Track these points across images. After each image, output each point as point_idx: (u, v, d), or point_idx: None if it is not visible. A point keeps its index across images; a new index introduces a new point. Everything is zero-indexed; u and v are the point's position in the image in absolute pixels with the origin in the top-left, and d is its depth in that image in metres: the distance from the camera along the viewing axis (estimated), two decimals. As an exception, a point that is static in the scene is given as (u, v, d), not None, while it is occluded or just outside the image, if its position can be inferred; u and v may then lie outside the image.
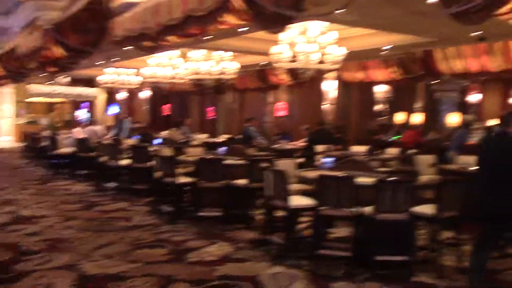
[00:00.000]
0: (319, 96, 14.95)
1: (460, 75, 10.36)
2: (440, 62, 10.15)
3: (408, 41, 9.08)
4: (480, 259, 5.00)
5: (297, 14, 5.40)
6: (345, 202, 5.42)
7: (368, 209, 5.34)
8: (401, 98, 16.46)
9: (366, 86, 15.38)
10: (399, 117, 15.07)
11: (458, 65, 9.96)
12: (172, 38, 7.14)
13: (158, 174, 8.03)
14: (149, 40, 7.27)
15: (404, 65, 10.89)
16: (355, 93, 15.60)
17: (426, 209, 5.55)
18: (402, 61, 10.82)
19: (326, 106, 15.10)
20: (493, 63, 9.37)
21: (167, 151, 9.12)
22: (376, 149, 10.62)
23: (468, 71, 9.97)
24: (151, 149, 10.14)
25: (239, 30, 7.13)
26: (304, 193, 6.23)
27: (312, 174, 6.23)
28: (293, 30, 9.07)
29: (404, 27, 7.79)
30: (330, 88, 14.96)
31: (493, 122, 15.83)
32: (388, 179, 5.43)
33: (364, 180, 5.62)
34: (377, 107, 17.36)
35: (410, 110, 15.89)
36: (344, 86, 14.85)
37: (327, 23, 8.75)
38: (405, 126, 13.97)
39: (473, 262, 5.00)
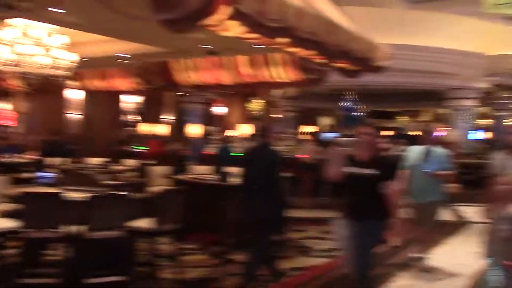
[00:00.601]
0: (63, 105, 13.90)
1: (198, 87, 10.59)
2: (178, 74, 10.23)
3: (144, 50, 8.87)
4: (252, 264, 5.16)
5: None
6: (55, 222, 4.84)
7: (80, 228, 4.86)
8: (150, 109, 16.46)
9: (113, 96, 14.88)
10: (146, 128, 14.99)
11: (195, 78, 10.17)
12: None
13: None
14: None
15: (144, 75, 10.70)
16: (102, 102, 14.95)
17: (146, 223, 5.33)
18: (141, 71, 10.62)
19: (70, 116, 14.12)
20: (226, 77, 9.80)
21: None
22: (118, 161, 10.23)
23: (205, 84, 10.25)
24: None
25: None
26: (13, 213, 5.42)
27: (19, 191, 5.46)
28: (15, 30, 8.06)
29: (132, 34, 7.52)
30: (75, 96, 14.04)
31: (233, 132, 17.00)
32: (101, 194, 5.04)
33: (76, 196, 5.12)
34: (126, 118, 17.03)
35: (159, 121, 15.99)
36: (90, 95, 14.07)
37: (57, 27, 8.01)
38: (151, 136, 13.91)
39: (246, 269, 5.15)
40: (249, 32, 4.66)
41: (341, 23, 5.47)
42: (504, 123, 15.40)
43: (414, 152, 5.89)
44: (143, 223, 5.31)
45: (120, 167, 9.01)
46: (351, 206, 4.13)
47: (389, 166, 4.23)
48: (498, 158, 5.26)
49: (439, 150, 5.89)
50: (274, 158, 5.35)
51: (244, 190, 5.51)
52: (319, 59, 5.82)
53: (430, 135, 6.02)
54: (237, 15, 4.18)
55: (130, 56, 9.31)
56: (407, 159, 5.90)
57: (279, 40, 5.01)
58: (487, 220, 4.01)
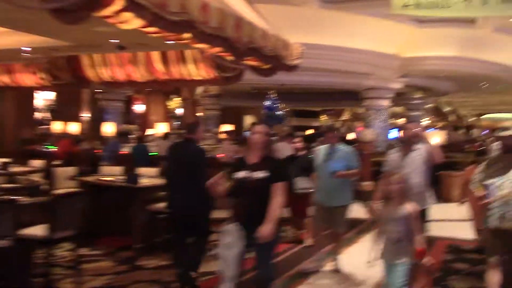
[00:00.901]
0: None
1: (110, 84, 10.09)
2: (88, 69, 9.68)
3: (47, 43, 8.33)
4: (183, 262, 5.03)
5: None
6: None
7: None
8: (63, 106, 15.62)
9: (22, 92, 13.96)
10: (59, 126, 14.23)
11: (106, 74, 9.67)
12: None
13: None
14: None
15: (51, 70, 10.04)
16: (9, 99, 14.03)
17: (41, 229, 4.92)
18: (48, 65, 9.95)
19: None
20: (139, 74, 9.40)
21: None
22: (23, 161, 9.59)
23: (117, 81, 9.78)
24: None
25: None
26: None
27: None
28: None
29: (30, 26, 6.99)
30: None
31: (152, 131, 16.53)
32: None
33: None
34: (37, 115, 16.08)
35: (74, 119, 15.21)
36: (-6, 90, 13.13)
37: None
38: (62, 135, 13.22)
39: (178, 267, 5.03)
40: (149, 26, 4.39)
41: (250, 19, 5.31)
42: (415, 123, 15.98)
43: (321, 151, 5.81)
44: (38, 230, 4.91)
45: (23, 169, 8.40)
46: (240, 212, 3.86)
47: (281, 167, 4.03)
48: (392, 156, 5.17)
49: (343, 147, 5.79)
50: (198, 156, 5.17)
51: (167, 189, 5.38)
52: (228, 56, 5.63)
53: (335, 133, 5.95)
54: (132, 7, 3.91)
55: (30, 49, 8.69)
56: (316, 160, 5.83)
57: (183, 35, 4.78)
58: (379, 220, 3.97)
